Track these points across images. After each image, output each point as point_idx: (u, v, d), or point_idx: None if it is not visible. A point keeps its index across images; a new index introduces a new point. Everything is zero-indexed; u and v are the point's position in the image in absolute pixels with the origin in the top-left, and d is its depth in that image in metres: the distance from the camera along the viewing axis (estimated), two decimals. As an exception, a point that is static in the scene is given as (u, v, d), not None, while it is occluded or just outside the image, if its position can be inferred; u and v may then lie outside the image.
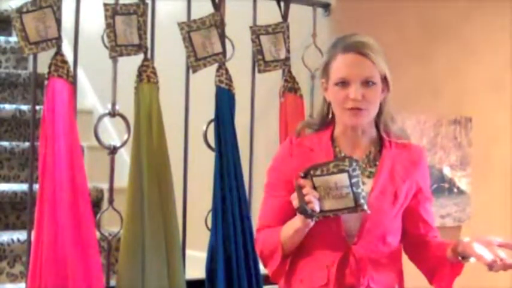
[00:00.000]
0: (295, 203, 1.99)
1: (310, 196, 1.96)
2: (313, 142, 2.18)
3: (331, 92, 2.12)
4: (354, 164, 1.99)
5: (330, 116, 2.18)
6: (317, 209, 1.97)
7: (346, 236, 2.10)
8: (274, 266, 2.14)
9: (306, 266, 2.14)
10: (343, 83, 2.08)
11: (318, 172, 1.98)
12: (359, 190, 1.99)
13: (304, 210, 1.97)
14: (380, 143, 2.19)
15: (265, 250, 2.16)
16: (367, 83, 2.07)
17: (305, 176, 1.98)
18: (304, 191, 1.97)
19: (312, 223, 2.01)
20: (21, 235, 3.05)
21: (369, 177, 2.13)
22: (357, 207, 2.00)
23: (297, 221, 2.03)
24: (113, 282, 2.57)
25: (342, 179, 1.98)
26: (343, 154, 2.15)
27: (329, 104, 2.16)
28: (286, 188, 2.12)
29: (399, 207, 2.16)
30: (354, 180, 1.98)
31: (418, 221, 2.21)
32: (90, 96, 4.22)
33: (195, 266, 2.74)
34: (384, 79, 2.12)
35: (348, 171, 1.98)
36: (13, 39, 4.37)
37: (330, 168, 1.98)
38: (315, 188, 1.98)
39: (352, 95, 2.06)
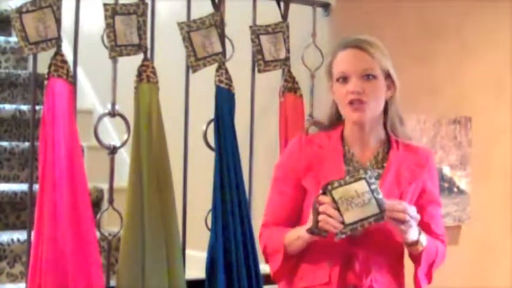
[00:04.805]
0: (308, 222, 2.01)
1: (324, 216, 1.96)
2: (322, 140, 2.18)
3: (335, 90, 2.13)
4: (369, 172, 2.00)
5: (338, 118, 2.18)
6: (339, 226, 1.96)
7: (351, 236, 2.10)
8: (275, 267, 2.14)
9: (308, 264, 2.14)
10: (344, 79, 2.10)
11: (336, 184, 1.98)
12: (380, 196, 1.99)
13: (312, 232, 2.00)
14: (388, 144, 2.18)
15: (268, 248, 2.17)
16: (366, 76, 2.09)
17: (324, 193, 1.99)
18: (321, 208, 1.97)
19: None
20: (21, 235, 3.05)
21: (376, 179, 2.12)
22: (382, 212, 1.99)
23: (305, 233, 2.04)
24: (113, 282, 2.57)
25: (361, 185, 1.99)
26: (351, 152, 2.16)
27: (337, 106, 2.17)
28: (294, 184, 2.14)
29: None
30: (373, 186, 1.99)
31: (420, 224, 2.16)
32: (90, 96, 4.21)
33: (195, 266, 2.74)
34: (388, 76, 2.12)
35: (365, 178, 1.99)
36: (13, 39, 4.37)
37: (347, 179, 1.99)
38: (335, 202, 1.98)
39: (351, 88, 2.08)
